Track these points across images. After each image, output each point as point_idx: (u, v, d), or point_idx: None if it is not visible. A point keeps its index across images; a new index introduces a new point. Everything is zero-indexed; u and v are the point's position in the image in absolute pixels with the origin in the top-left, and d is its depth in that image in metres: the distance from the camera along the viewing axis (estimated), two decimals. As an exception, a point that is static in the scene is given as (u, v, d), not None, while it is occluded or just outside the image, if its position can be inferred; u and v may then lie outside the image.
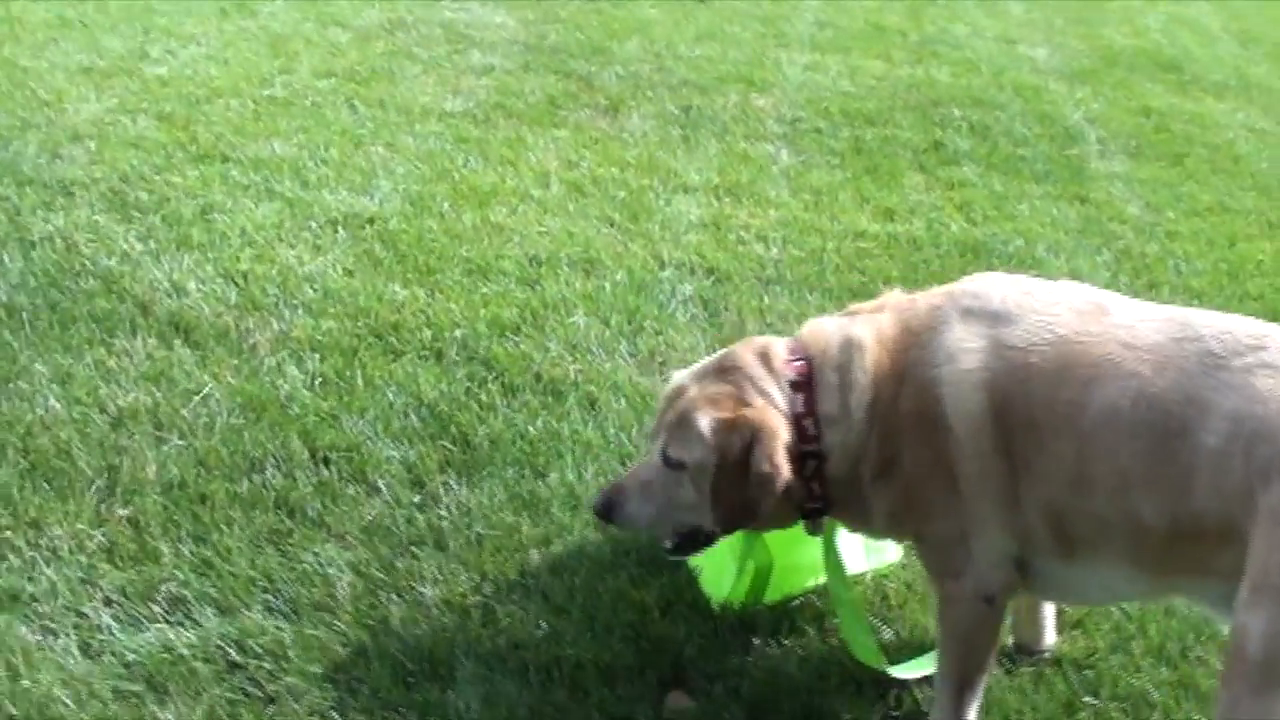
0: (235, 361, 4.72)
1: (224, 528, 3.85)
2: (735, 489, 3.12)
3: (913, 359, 3.14)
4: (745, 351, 3.25)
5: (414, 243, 5.78)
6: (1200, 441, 2.76)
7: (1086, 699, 3.53)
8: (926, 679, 3.46)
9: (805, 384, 3.19)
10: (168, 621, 3.52)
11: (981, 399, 3.02)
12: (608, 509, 3.33)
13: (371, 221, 5.96)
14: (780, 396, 3.17)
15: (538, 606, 3.67)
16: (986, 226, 6.76)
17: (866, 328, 3.22)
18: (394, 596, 3.67)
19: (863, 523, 3.36)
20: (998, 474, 3.03)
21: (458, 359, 4.90)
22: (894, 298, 3.35)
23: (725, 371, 3.22)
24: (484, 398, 4.65)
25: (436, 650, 3.48)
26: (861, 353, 3.17)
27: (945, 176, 7.48)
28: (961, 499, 3.06)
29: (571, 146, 7.26)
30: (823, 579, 3.74)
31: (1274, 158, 8.41)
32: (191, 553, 3.75)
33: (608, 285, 5.59)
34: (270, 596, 3.63)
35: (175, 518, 3.89)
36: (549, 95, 8.08)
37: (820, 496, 3.26)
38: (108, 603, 3.57)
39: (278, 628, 3.51)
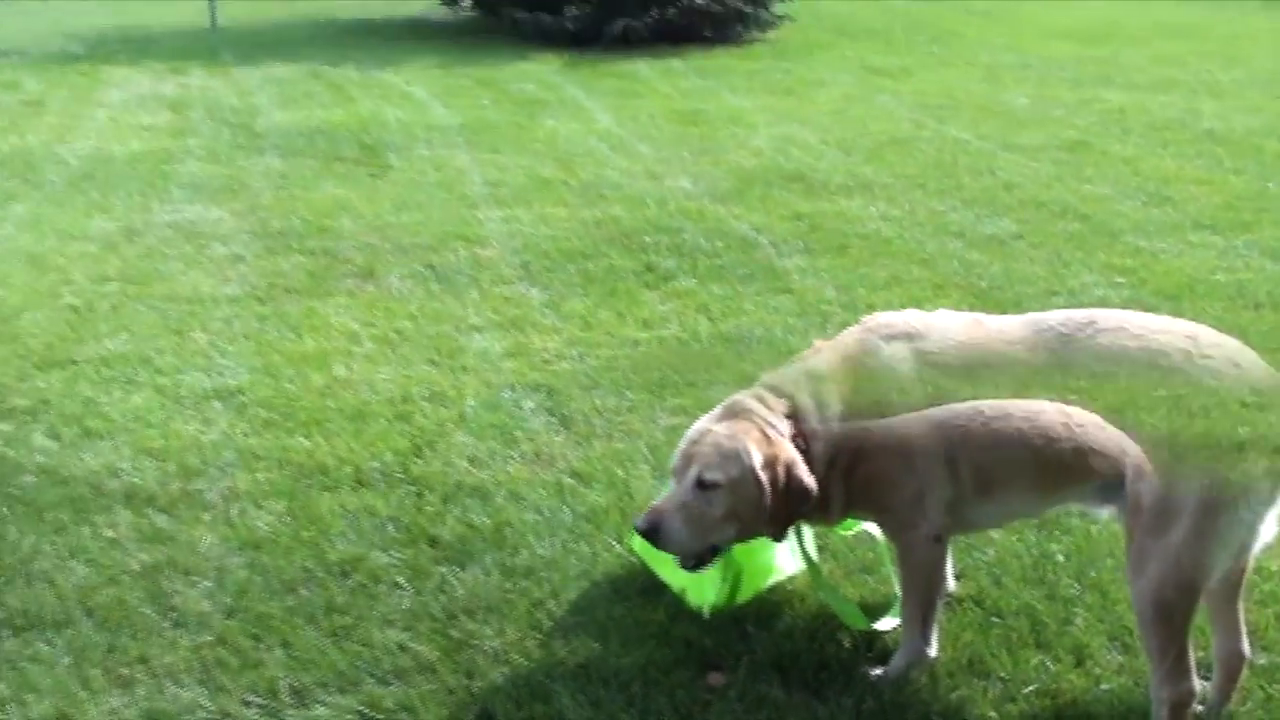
0: (206, 516, 5.36)
1: (299, 631, 4.55)
2: (783, 505, 4.17)
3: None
4: (748, 400, 4.30)
5: (287, 403, 6.52)
6: None
7: None
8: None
9: (792, 415, 4.28)
10: (301, 706, 4.21)
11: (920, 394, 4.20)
12: (654, 528, 4.21)
13: (240, 392, 6.66)
14: (784, 427, 4.24)
15: (581, 638, 4.55)
16: (728, 322, 8.04)
17: (818, 364, 4.35)
18: (473, 656, 4.47)
19: (822, 514, 4.43)
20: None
21: (385, 484, 5.70)
22: (821, 344, 4.49)
23: (740, 414, 4.25)
24: (428, 508, 5.48)
25: (533, 685, 4.30)
26: (824, 380, 4.30)
27: (671, 290, 8.74)
28: (917, 471, 4.22)
29: (359, 309, 8.11)
30: (774, 579, 4.82)
31: (913, 237, 10.13)
32: (285, 654, 4.44)
33: (468, 411, 6.50)
34: (366, 675, 4.36)
35: (252, 633, 4.55)
36: (308, 271, 8.88)
37: None
38: (245, 704, 4.22)
39: (391, 691, 4.27)
